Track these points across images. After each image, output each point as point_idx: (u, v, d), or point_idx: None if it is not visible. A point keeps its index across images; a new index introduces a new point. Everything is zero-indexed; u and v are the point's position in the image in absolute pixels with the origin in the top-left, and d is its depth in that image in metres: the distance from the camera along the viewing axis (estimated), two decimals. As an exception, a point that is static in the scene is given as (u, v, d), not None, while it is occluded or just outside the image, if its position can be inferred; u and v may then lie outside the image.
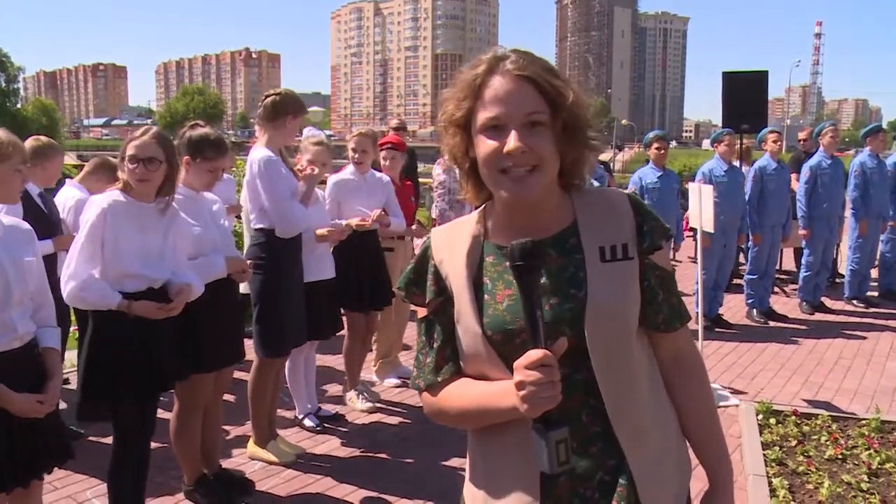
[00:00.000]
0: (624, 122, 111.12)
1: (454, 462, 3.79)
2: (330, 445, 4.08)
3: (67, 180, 4.52)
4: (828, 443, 3.90)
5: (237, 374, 4.17)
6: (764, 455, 3.74)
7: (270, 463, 3.81)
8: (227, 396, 4.29)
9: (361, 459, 3.93)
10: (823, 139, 7.23)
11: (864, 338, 6.41)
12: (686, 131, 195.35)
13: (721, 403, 4.59)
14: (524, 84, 1.24)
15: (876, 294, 7.85)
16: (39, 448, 2.35)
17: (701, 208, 4.84)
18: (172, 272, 2.86)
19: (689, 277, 8.24)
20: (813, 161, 7.23)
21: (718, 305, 6.85)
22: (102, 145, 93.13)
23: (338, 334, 4.43)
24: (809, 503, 3.32)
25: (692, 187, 5.11)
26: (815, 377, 5.36)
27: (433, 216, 5.71)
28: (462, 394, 1.33)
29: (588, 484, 1.26)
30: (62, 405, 2.82)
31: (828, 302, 7.50)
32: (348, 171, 4.57)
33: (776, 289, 7.85)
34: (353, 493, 3.53)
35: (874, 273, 7.95)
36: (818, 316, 7.20)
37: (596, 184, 6.89)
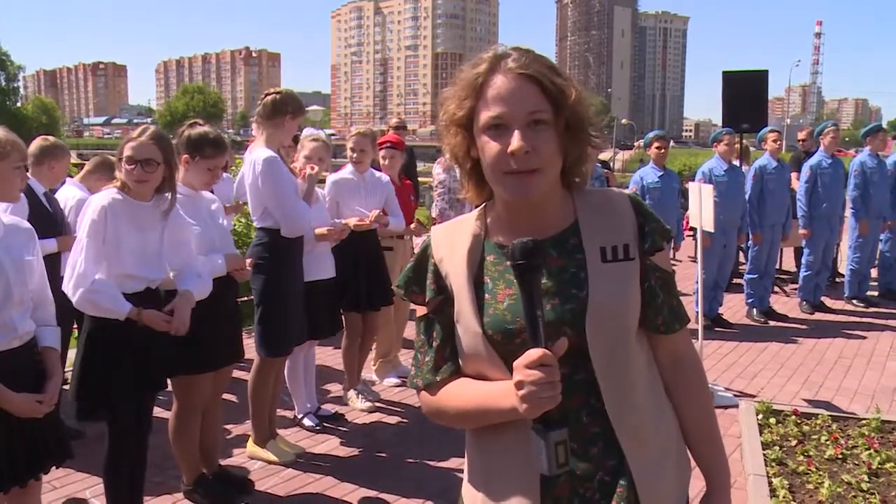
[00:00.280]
0: (624, 121, 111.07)
1: (454, 461, 3.78)
2: (329, 445, 4.08)
3: (68, 179, 4.52)
4: (828, 443, 3.90)
5: (237, 374, 4.17)
6: (764, 455, 3.73)
7: (270, 462, 3.80)
8: (227, 396, 4.29)
9: (361, 459, 3.92)
10: (825, 139, 7.22)
11: (865, 337, 6.41)
12: (686, 130, 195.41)
13: (721, 403, 4.59)
14: (526, 82, 1.23)
15: (876, 293, 7.85)
16: (38, 448, 2.35)
17: (701, 208, 4.84)
18: (178, 270, 2.85)
19: (690, 277, 8.24)
20: (813, 160, 7.23)
21: (718, 305, 6.85)
22: (103, 144, 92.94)
23: (337, 333, 4.44)
24: (810, 503, 3.32)
25: (692, 187, 5.11)
26: (815, 377, 5.36)
27: (433, 215, 5.70)
28: (461, 393, 1.32)
29: (588, 484, 1.26)
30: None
31: (828, 301, 7.49)
32: (347, 171, 4.56)
33: (776, 288, 7.84)
34: (352, 493, 3.53)
35: (874, 273, 7.95)
36: (818, 315, 7.20)
37: (596, 184, 6.89)
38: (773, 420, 4.20)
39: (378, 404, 4.64)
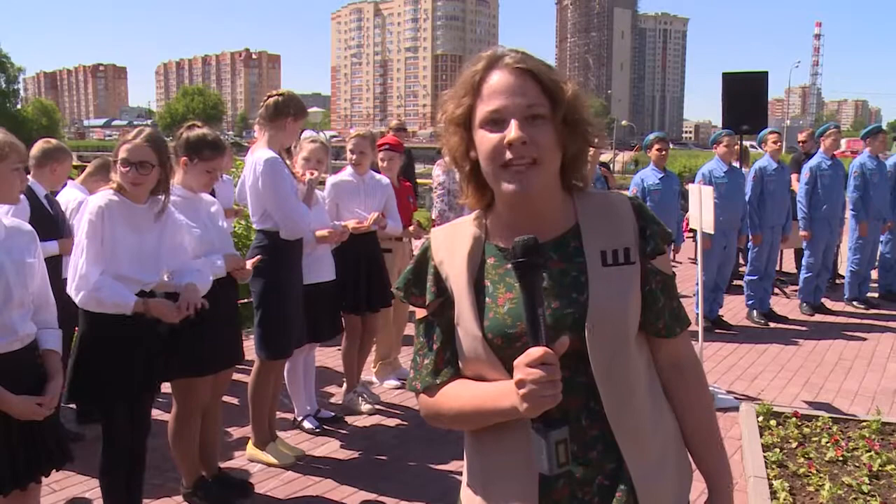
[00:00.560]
0: (624, 123, 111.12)
1: (454, 464, 3.78)
2: (329, 447, 4.07)
3: (69, 181, 4.52)
4: (828, 445, 3.89)
5: (237, 376, 4.16)
6: (764, 457, 3.73)
7: (270, 465, 3.80)
8: (228, 398, 4.29)
9: (361, 461, 3.92)
10: (826, 141, 7.22)
11: (865, 339, 6.40)
12: (686, 132, 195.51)
13: (721, 405, 4.58)
14: (524, 76, 1.24)
15: (876, 295, 7.85)
16: (38, 451, 2.35)
17: (701, 210, 4.83)
18: (172, 272, 2.85)
19: (690, 279, 8.24)
20: (813, 162, 7.23)
21: (718, 307, 6.84)
22: (105, 146, 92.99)
23: (337, 336, 4.43)
24: (810, 505, 3.31)
25: (692, 188, 5.10)
26: (815, 379, 5.36)
27: (433, 217, 5.70)
28: (459, 394, 1.31)
29: (587, 488, 1.25)
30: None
31: (828, 303, 7.49)
32: (347, 173, 4.57)
33: (776, 290, 7.84)
34: (352, 496, 3.52)
35: (874, 274, 7.95)
36: (818, 317, 7.19)
37: (597, 185, 6.89)
38: (773, 422, 4.20)
39: (378, 406, 4.64)
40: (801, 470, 3.60)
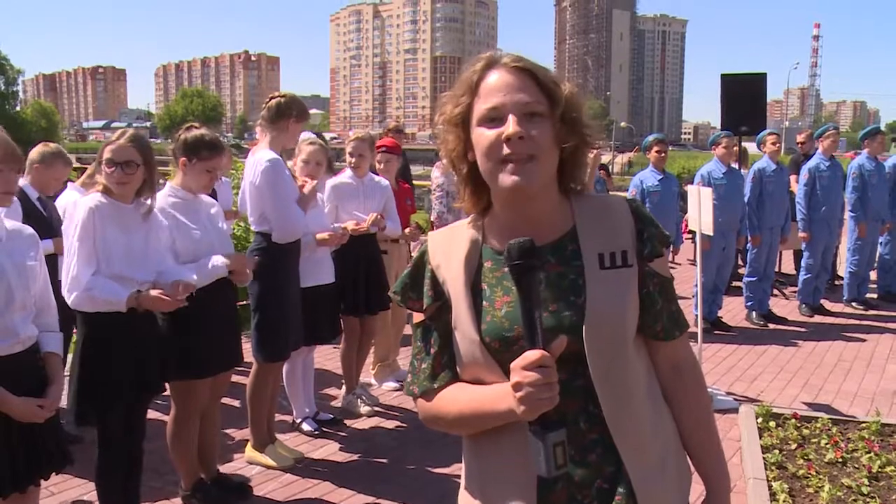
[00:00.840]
0: (623, 124, 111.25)
1: (453, 467, 3.77)
2: (328, 450, 4.07)
3: (70, 183, 4.51)
4: (828, 446, 3.89)
5: (236, 378, 4.16)
6: (764, 459, 3.73)
7: (268, 467, 3.79)
8: (228, 400, 4.29)
9: (360, 464, 3.91)
10: (825, 142, 7.23)
11: (864, 340, 6.40)
12: (685, 133, 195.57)
13: (720, 407, 4.58)
14: (522, 75, 1.25)
15: (875, 296, 7.85)
16: (39, 453, 2.35)
17: (700, 211, 4.83)
18: (159, 272, 2.86)
19: (689, 280, 8.23)
20: (811, 163, 7.24)
21: (718, 308, 6.84)
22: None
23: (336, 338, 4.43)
24: (809, 507, 3.31)
25: (691, 190, 5.11)
26: (814, 380, 5.35)
27: (432, 219, 5.70)
28: (457, 398, 1.31)
29: (586, 491, 1.25)
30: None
31: (827, 304, 7.49)
32: (346, 175, 4.57)
33: (775, 291, 7.84)
34: (351, 498, 3.52)
35: (873, 275, 7.95)
36: (817, 318, 7.19)
37: (597, 187, 6.89)
38: (772, 423, 4.19)
39: (377, 408, 4.63)
40: (801, 471, 3.60)
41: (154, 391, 2.97)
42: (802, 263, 7.43)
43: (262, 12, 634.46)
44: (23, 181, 3.78)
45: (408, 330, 5.50)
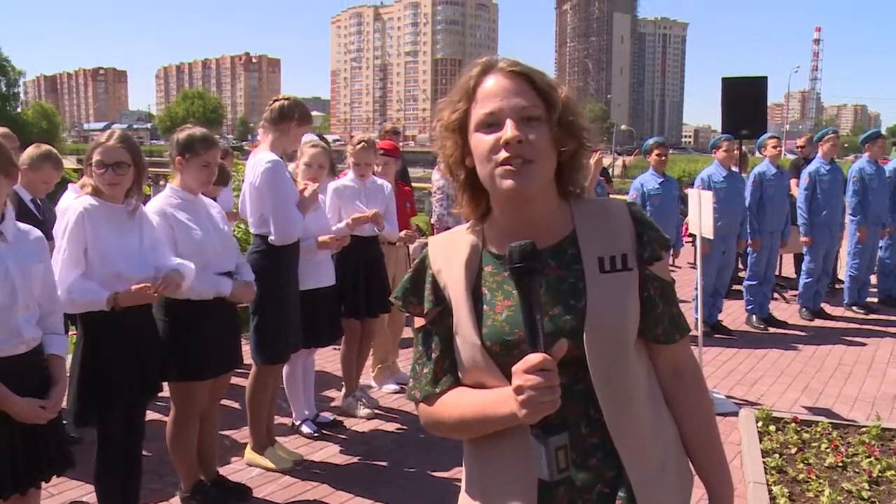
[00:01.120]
0: (623, 127, 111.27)
1: (453, 470, 3.77)
2: (328, 452, 4.07)
3: (70, 185, 4.50)
4: (828, 450, 3.89)
5: (236, 380, 4.16)
6: (764, 463, 3.72)
7: (268, 469, 3.79)
8: (226, 402, 4.28)
9: (359, 466, 3.91)
10: (824, 145, 7.23)
11: (864, 344, 6.40)
12: (685, 136, 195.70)
13: (720, 410, 4.58)
14: (519, 79, 1.25)
15: (875, 300, 7.84)
16: (40, 455, 2.35)
17: (700, 214, 4.83)
18: (156, 268, 2.86)
19: (689, 284, 8.23)
20: (811, 167, 7.23)
21: (718, 311, 6.84)
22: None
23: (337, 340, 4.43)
24: (810, 511, 3.30)
25: (691, 193, 5.11)
26: (815, 384, 5.35)
27: (432, 221, 5.71)
28: (458, 402, 1.31)
29: (587, 495, 1.25)
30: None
31: (827, 308, 7.49)
32: (348, 178, 4.58)
33: (776, 295, 7.84)
34: (350, 501, 3.51)
35: (874, 279, 7.95)
36: (818, 322, 7.19)
37: (597, 189, 6.89)
38: (772, 427, 4.19)
39: (377, 411, 4.63)
40: (801, 476, 3.60)
41: (154, 391, 2.97)
42: (803, 267, 7.43)
43: (262, 14, 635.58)
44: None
45: (406, 333, 5.51)
